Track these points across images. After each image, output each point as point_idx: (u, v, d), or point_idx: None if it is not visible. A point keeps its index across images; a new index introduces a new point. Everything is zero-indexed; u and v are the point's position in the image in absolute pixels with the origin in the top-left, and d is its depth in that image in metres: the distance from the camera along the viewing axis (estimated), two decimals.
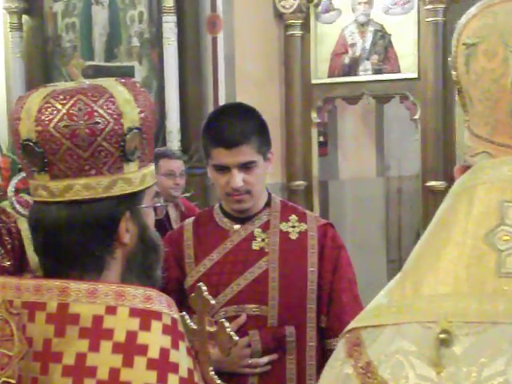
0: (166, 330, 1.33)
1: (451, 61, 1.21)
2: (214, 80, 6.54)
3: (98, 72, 6.65)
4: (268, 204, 2.54)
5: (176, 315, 1.38)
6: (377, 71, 6.28)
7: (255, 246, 2.48)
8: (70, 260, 1.39)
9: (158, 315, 1.34)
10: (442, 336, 1.06)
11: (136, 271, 1.44)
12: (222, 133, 2.40)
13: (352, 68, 6.46)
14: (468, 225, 1.12)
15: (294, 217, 2.53)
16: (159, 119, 6.58)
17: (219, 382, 1.85)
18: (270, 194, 2.58)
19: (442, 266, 1.12)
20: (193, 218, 2.64)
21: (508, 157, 1.15)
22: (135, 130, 1.38)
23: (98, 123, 1.34)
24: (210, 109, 6.54)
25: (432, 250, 1.15)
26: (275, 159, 2.67)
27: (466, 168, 1.21)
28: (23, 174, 2.70)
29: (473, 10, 1.18)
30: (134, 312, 1.33)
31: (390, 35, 6.19)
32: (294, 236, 2.50)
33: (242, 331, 2.40)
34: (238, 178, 2.39)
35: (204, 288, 1.87)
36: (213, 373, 1.87)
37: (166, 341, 1.32)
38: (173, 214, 4.94)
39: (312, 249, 2.49)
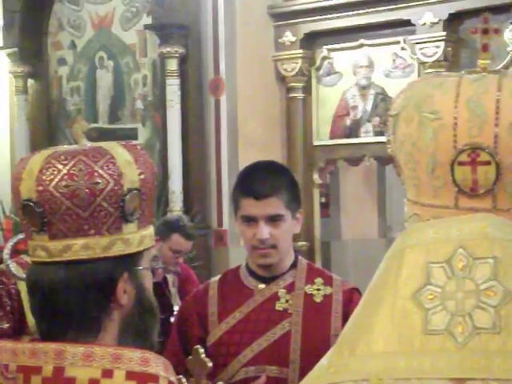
0: None
1: (387, 139, 1.32)
2: (216, 141, 6.60)
3: (102, 134, 6.71)
4: (294, 265, 2.51)
5: (173, 378, 1.36)
6: (378, 133, 6.34)
7: (279, 306, 2.45)
8: (67, 321, 1.38)
9: (154, 378, 1.32)
10: None
11: (132, 333, 1.42)
12: (253, 184, 2.42)
13: (353, 130, 6.53)
14: (397, 286, 1.18)
15: (319, 280, 2.50)
16: (162, 180, 6.63)
17: None
18: (296, 256, 2.56)
19: (375, 327, 1.18)
20: (218, 276, 2.62)
21: (432, 220, 1.22)
22: (135, 191, 1.39)
23: (98, 183, 1.35)
24: (213, 170, 6.60)
25: (366, 312, 1.22)
26: None
27: None
28: (20, 236, 2.70)
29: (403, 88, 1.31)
30: (130, 375, 1.31)
31: (390, 98, 6.26)
32: (318, 299, 2.47)
33: None
34: (264, 230, 2.38)
35: (201, 350, 1.84)
36: None
37: None
38: (170, 277, 4.92)
39: (336, 313, 2.45)
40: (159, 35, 6.65)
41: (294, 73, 6.68)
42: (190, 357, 1.85)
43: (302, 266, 2.52)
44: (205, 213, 6.57)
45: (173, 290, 4.87)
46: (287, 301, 2.45)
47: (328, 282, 2.51)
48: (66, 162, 1.36)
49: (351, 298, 2.48)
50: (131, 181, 1.39)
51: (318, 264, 6.61)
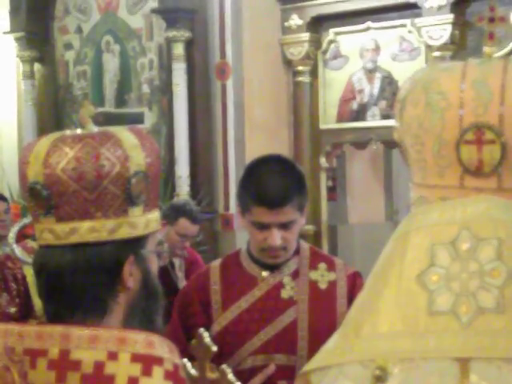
0: (168, 375, 1.33)
1: (393, 125, 1.33)
2: (223, 126, 6.60)
3: (109, 118, 6.73)
4: (297, 251, 2.50)
5: (178, 360, 1.37)
6: (385, 117, 6.33)
7: (284, 294, 2.44)
8: (73, 304, 1.39)
9: (159, 361, 1.33)
10: (377, 373, 1.13)
11: (138, 317, 1.43)
12: (266, 193, 2.34)
13: (360, 113, 6.52)
14: (402, 268, 1.20)
15: (323, 265, 2.50)
16: (168, 164, 6.64)
17: None
18: (298, 241, 2.53)
19: (380, 308, 1.20)
20: (219, 260, 2.60)
21: (437, 203, 1.24)
22: (141, 174, 1.40)
23: (105, 166, 1.36)
24: (220, 154, 6.60)
25: (372, 294, 1.24)
26: None
27: None
28: (25, 221, 2.71)
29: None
30: (135, 357, 1.32)
31: (397, 81, 6.25)
32: (323, 285, 2.47)
33: (269, 382, 2.37)
34: (277, 237, 2.35)
35: (206, 334, 1.83)
36: None
37: None
38: (177, 261, 4.94)
39: (341, 298, 2.46)
40: (165, 19, 6.64)
41: (300, 56, 6.66)
42: (194, 341, 1.84)
43: (304, 252, 2.51)
44: (211, 197, 6.58)
45: (179, 274, 4.90)
46: (292, 288, 2.44)
47: (331, 267, 2.51)
48: (72, 145, 1.37)
49: (355, 282, 2.49)
50: (137, 164, 1.40)
51: (325, 248, 6.63)
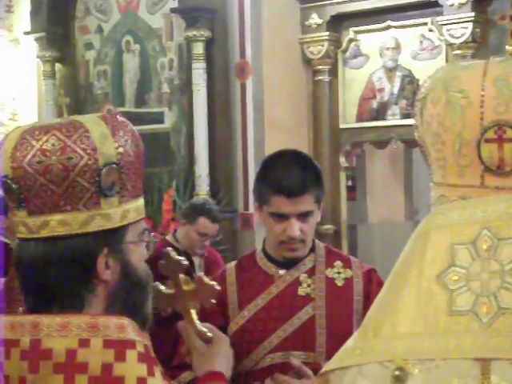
0: (141, 358, 1.32)
1: (414, 125, 1.32)
2: (242, 125, 6.60)
3: (129, 118, 6.67)
4: (312, 249, 2.51)
5: (147, 342, 1.36)
6: (405, 116, 6.30)
7: (301, 291, 2.44)
8: (49, 297, 1.38)
9: (131, 344, 1.32)
10: (396, 373, 1.12)
11: (119, 308, 1.41)
12: (284, 181, 2.36)
13: (380, 113, 6.49)
14: (422, 268, 1.20)
15: (338, 263, 2.51)
16: (188, 164, 6.65)
17: (209, 333, 1.79)
18: (313, 240, 2.55)
19: (400, 308, 1.19)
20: (234, 262, 2.61)
21: (457, 202, 1.23)
22: (112, 165, 1.37)
23: (71, 158, 1.34)
24: (239, 154, 6.60)
25: (392, 294, 1.23)
26: None
27: None
28: None
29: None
30: (107, 343, 1.31)
31: (417, 80, 6.22)
32: (339, 283, 2.47)
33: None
34: (296, 227, 2.36)
35: (170, 250, 1.80)
36: (200, 325, 1.80)
37: (142, 369, 1.31)
38: (196, 260, 4.95)
39: (358, 295, 2.46)
40: (185, 19, 6.64)
41: (320, 55, 6.65)
42: (161, 261, 1.81)
43: (319, 250, 2.53)
44: (231, 196, 6.59)
45: (200, 273, 4.90)
46: (309, 285, 2.44)
47: (347, 264, 2.52)
48: (39, 137, 1.35)
49: (370, 278, 2.51)
50: (107, 155, 1.37)
51: (345, 247, 6.61)
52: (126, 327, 1.34)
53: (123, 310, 1.41)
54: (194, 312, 1.83)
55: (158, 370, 1.33)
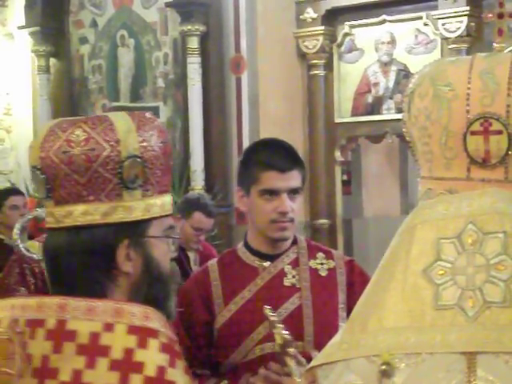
0: (164, 348, 1.33)
1: (402, 120, 1.33)
2: (237, 120, 6.60)
3: None
4: (294, 242, 2.55)
5: (172, 335, 1.38)
6: (400, 110, 6.27)
7: (287, 282, 2.48)
8: (72, 285, 1.40)
9: (154, 333, 1.34)
10: (383, 368, 1.13)
11: (141, 301, 1.42)
12: (275, 157, 2.43)
13: (375, 107, 6.50)
14: (408, 262, 1.19)
15: (320, 254, 2.55)
16: (183, 158, 6.65)
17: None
18: (294, 234, 2.58)
19: (386, 303, 1.19)
20: (215, 259, 2.63)
21: (442, 196, 1.23)
22: (135, 158, 1.39)
23: (94, 149, 1.37)
24: (234, 148, 6.60)
25: (378, 288, 1.23)
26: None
27: None
28: (29, 216, 2.73)
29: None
30: (131, 329, 1.33)
31: (413, 74, 6.19)
32: (323, 273, 2.52)
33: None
34: (288, 202, 2.40)
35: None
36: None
37: (163, 359, 1.32)
38: (191, 255, 4.95)
39: (341, 285, 2.51)
40: (180, 13, 6.64)
41: (315, 50, 6.64)
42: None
43: (301, 242, 2.57)
44: (226, 191, 6.59)
45: (194, 268, 4.90)
46: (294, 276, 2.48)
47: (329, 255, 2.57)
48: (66, 129, 1.39)
49: (352, 268, 2.56)
50: (130, 147, 1.39)
51: (340, 242, 6.62)
52: (150, 316, 1.36)
53: (145, 303, 1.42)
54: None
55: (180, 364, 1.34)
